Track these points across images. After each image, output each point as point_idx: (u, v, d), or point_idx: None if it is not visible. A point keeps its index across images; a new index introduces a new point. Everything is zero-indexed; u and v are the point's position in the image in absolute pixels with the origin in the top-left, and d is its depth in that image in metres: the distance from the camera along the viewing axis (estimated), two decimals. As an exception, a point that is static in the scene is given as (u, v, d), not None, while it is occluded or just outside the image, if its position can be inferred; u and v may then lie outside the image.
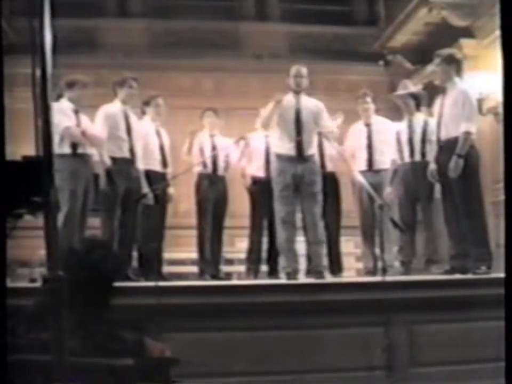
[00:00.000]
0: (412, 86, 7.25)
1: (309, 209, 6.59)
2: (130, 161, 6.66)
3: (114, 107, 6.72)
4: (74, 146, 6.22)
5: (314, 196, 6.57)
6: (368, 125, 7.41)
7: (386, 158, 7.25)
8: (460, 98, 6.17)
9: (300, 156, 6.56)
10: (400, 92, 7.23)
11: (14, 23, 9.57)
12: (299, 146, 6.55)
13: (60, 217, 5.81)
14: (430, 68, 6.96)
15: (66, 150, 6.16)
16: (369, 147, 7.30)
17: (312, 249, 6.67)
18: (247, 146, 7.46)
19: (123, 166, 6.59)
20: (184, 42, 11.42)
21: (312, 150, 6.67)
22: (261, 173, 7.43)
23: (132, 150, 6.67)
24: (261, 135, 7.51)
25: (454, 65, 6.30)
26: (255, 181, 7.46)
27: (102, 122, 6.58)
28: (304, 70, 6.82)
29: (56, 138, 6.01)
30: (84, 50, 10.25)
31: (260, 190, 7.35)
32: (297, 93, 6.72)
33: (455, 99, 6.19)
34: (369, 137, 7.34)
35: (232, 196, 7.63)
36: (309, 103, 6.74)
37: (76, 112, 6.35)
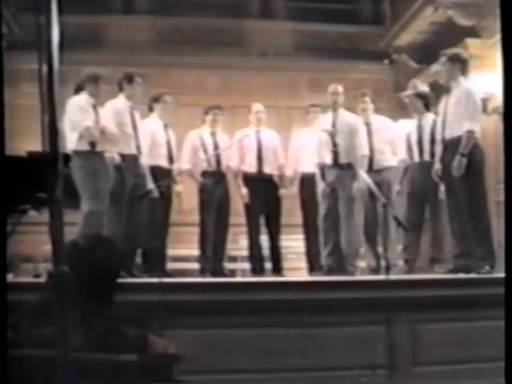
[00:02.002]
0: (421, 86, 7.23)
1: (343, 210, 7.02)
2: (137, 157, 6.68)
3: (120, 103, 6.72)
4: (92, 144, 6.22)
5: (349, 198, 6.98)
6: (367, 124, 7.44)
7: (387, 157, 7.28)
8: (463, 97, 6.17)
9: (336, 164, 7.08)
10: (407, 92, 7.21)
11: (20, 19, 9.59)
12: (335, 156, 7.08)
13: (82, 215, 5.86)
14: (435, 67, 6.95)
15: (85, 147, 6.15)
16: (369, 146, 7.32)
17: (342, 248, 7.02)
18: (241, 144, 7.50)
19: (131, 162, 6.60)
20: (189, 39, 11.43)
21: (347, 160, 7.08)
22: (253, 169, 7.47)
23: (138, 147, 6.69)
24: (252, 131, 7.53)
25: (459, 64, 6.30)
26: (248, 178, 7.49)
27: (110, 118, 6.58)
28: (340, 88, 7.26)
29: (74, 136, 6.06)
30: (89, 47, 10.26)
31: (253, 188, 7.40)
32: (334, 109, 7.23)
33: (459, 98, 6.20)
34: (369, 137, 7.37)
35: (236, 193, 7.63)
36: (347, 118, 7.23)
37: (95, 107, 6.34)
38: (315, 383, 5.02)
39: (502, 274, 2.54)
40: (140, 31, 11.43)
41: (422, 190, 6.89)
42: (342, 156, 7.08)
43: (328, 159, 7.15)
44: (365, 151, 7.16)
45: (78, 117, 6.11)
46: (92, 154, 6.18)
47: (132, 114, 6.73)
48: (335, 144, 7.10)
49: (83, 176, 5.93)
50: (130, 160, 6.61)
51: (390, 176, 7.23)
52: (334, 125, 7.17)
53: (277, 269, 7.33)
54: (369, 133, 7.39)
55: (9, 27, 9.70)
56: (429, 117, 7.02)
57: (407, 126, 7.22)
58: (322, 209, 7.19)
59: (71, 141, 6.08)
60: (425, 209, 6.96)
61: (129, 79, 6.76)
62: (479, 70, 8.36)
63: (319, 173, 7.25)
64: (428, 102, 7.09)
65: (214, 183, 7.36)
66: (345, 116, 7.27)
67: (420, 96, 7.07)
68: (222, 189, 7.40)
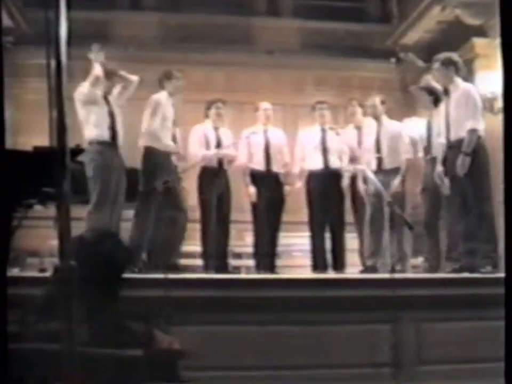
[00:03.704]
0: (433, 82, 7.21)
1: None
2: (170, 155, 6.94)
3: (163, 98, 6.93)
4: (113, 135, 6.29)
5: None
6: (358, 128, 7.74)
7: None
8: (462, 98, 6.25)
9: (380, 169, 7.27)
10: (417, 85, 7.24)
11: (28, 14, 9.59)
12: (379, 162, 7.30)
13: (89, 207, 5.92)
14: (434, 72, 6.95)
15: (103, 137, 6.27)
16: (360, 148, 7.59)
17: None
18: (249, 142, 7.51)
19: (167, 159, 6.87)
20: (196, 36, 11.43)
21: (392, 164, 7.29)
22: (261, 167, 7.47)
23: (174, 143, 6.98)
24: (260, 129, 7.54)
25: (452, 67, 6.40)
26: (255, 176, 7.49)
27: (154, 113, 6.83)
28: (377, 100, 7.53)
29: (89, 126, 6.16)
30: (96, 43, 10.26)
31: (260, 186, 7.40)
32: (376, 119, 7.49)
33: (459, 99, 6.26)
34: (360, 141, 7.64)
35: (240, 190, 7.62)
36: (390, 125, 7.49)
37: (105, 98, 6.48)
38: (320, 381, 5.02)
39: (503, 274, 2.55)
40: (146, 27, 11.43)
41: (435, 186, 6.78)
42: (386, 162, 7.27)
43: (373, 165, 7.31)
44: (409, 155, 7.35)
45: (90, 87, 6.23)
46: (106, 146, 6.23)
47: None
48: (379, 150, 7.32)
49: (94, 169, 6.00)
50: (166, 157, 6.83)
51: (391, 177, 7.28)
52: (378, 134, 7.38)
53: (271, 267, 7.32)
54: (360, 136, 7.67)
55: (16, 22, 9.71)
56: (436, 114, 6.98)
57: (417, 125, 7.25)
58: (368, 212, 7.35)
59: (88, 130, 6.19)
60: (441, 207, 6.89)
61: (169, 76, 7.04)
62: (486, 69, 8.35)
63: (361, 176, 7.45)
64: (437, 98, 7.06)
65: (213, 179, 7.35)
66: (388, 123, 7.49)
67: (429, 91, 7.05)
68: (221, 185, 7.38)
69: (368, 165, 7.34)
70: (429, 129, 6.97)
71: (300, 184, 7.60)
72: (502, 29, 2.35)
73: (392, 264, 5.81)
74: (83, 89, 6.26)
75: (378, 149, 7.35)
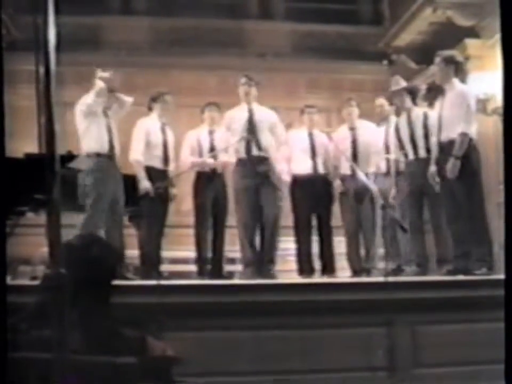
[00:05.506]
0: (403, 82, 7.20)
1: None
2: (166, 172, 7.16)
3: (152, 121, 7.13)
4: (111, 147, 6.38)
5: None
6: (352, 129, 7.61)
7: (371, 162, 7.41)
8: (457, 99, 6.20)
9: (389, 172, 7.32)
10: (394, 88, 7.16)
11: (17, 20, 9.57)
12: (388, 164, 7.34)
13: (83, 218, 5.94)
14: (433, 68, 6.93)
15: (102, 150, 6.32)
16: (354, 152, 7.50)
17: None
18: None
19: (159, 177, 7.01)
20: (188, 40, 11.42)
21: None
22: None
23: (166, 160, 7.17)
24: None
25: (453, 66, 6.32)
26: None
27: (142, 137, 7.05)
28: (383, 101, 7.64)
29: (87, 140, 6.24)
30: (87, 48, 10.25)
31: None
32: (383, 119, 7.63)
33: (453, 100, 6.22)
34: (354, 142, 7.53)
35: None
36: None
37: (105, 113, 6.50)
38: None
39: (500, 276, 2.54)
40: (138, 31, 11.42)
41: (419, 187, 6.73)
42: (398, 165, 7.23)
43: (383, 168, 7.36)
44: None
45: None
46: (102, 157, 6.28)
47: (164, 133, 7.16)
48: (388, 151, 7.31)
49: (90, 181, 6.04)
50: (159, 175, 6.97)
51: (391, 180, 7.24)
52: (387, 135, 7.35)
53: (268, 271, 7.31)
54: (355, 137, 7.55)
55: (6, 28, 9.68)
56: (418, 111, 6.95)
57: (396, 124, 7.22)
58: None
59: (87, 141, 6.27)
60: (424, 208, 6.85)
61: (157, 98, 7.15)
62: (479, 70, 8.36)
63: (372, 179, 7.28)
64: (415, 96, 7.07)
65: (208, 182, 7.31)
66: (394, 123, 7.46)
67: (408, 90, 7.04)
68: (216, 189, 7.34)
69: (377, 168, 7.35)
70: (412, 128, 6.89)
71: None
72: (502, 29, 2.34)
73: (386, 268, 5.81)
74: (87, 99, 6.25)
75: (387, 150, 7.32)
